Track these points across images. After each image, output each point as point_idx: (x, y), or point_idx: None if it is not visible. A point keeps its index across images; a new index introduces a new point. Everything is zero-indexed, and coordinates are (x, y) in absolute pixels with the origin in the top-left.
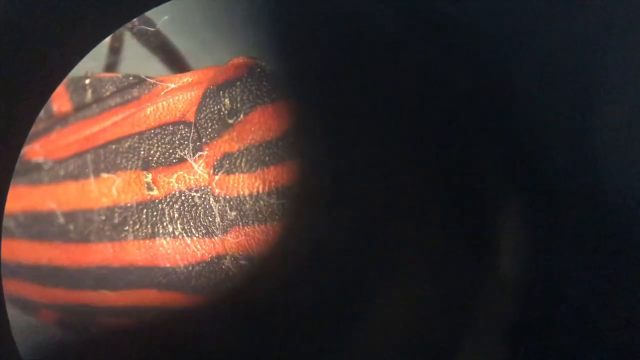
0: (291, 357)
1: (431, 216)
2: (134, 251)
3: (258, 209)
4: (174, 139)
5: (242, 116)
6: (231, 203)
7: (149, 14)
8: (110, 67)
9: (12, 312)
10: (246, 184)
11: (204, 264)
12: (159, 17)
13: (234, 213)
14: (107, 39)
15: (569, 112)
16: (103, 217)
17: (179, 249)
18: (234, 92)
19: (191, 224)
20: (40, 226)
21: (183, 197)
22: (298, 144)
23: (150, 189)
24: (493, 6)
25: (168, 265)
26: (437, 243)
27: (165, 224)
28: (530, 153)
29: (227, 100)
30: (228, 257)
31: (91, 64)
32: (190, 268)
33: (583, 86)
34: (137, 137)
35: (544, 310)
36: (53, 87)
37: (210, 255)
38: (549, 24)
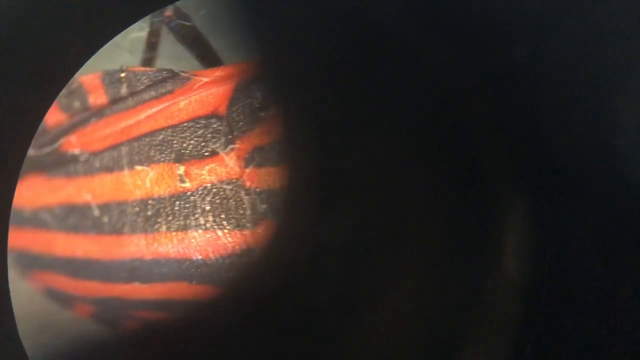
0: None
1: (437, 216)
2: (166, 243)
3: None
4: (206, 132)
5: (273, 109)
6: (262, 196)
7: (186, 9)
8: (147, 62)
9: (29, 310)
10: (277, 177)
11: (234, 257)
12: (196, 12)
13: (264, 206)
14: (145, 35)
15: (577, 112)
16: (137, 209)
17: (210, 241)
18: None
19: (222, 216)
20: (75, 218)
21: (215, 190)
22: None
23: (182, 181)
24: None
25: (199, 257)
26: (443, 243)
27: (197, 216)
28: (537, 152)
29: (259, 94)
30: (257, 250)
31: (128, 58)
32: (221, 260)
33: (595, 83)
34: (170, 130)
35: (549, 310)
36: (63, 83)
37: (240, 247)
38: (563, 17)
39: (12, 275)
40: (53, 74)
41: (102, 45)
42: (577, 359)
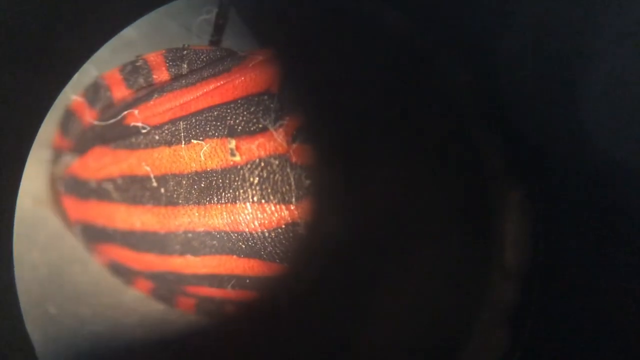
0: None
1: (437, 211)
2: (216, 215)
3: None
4: (258, 109)
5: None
6: (306, 171)
7: None
8: (214, 44)
9: (94, 289)
10: (320, 154)
11: (279, 230)
12: None
13: (308, 181)
14: (212, 16)
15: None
16: (191, 181)
17: (257, 214)
18: None
19: (269, 190)
20: (135, 189)
21: (262, 164)
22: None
23: (233, 154)
24: None
25: (247, 230)
26: (444, 237)
27: (245, 188)
28: (532, 143)
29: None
30: (302, 224)
31: (195, 42)
32: (267, 234)
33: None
34: (225, 106)
35: (545, 296)
36: (75, 68)
37: (285, 221)
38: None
39: (79, 247)
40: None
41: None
42: (571, 344)
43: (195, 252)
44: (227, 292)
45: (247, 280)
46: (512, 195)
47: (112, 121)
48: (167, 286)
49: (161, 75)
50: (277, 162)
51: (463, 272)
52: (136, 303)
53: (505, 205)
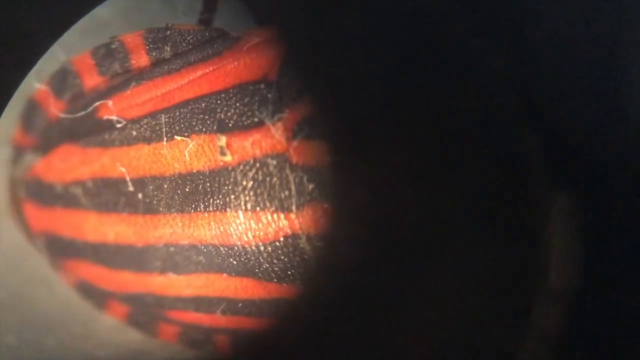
0: None
1: (469, 218)
2: (203, 225)
3: None
4: (253, 100)
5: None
6: (309, 173)
7: None
8: (203, 23)
9: (61, 315)
10: (327, 153)
11: (277, 243)
12: None
13: (311, 185)
14: None
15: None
16: (174, 185)
17: (251, 224)
18: None
19: (265, 195)
20: (108, 194)
21: (258, 165)
22: None
23: (223, 153)
24: None
25: (239, 243)
26: (483, 252)
27: (237, 194)
28: (576, 143)
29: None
30: (303, 237)
31: (181, 21)
32: (262, 248)
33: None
34: (214, 96)
35: (595, 321)
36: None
37: (284, 233)
38: None
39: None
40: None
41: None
42: None
43: (178, 270)
44: (217, 319)
45: (240, 304)
46: (557, 202)
47: (82, 114)
48: (145, 311)
49: (140, 60)
50: (275, 162)
51: (499, 294)
52: (110, 332)
53: (549, 213)
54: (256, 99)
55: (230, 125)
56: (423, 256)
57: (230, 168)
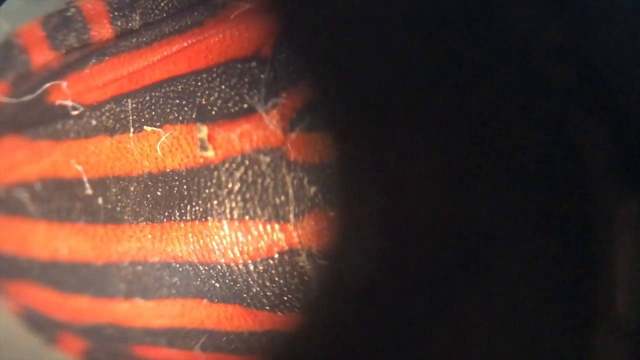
0: None
1: (525, 236)
2: (178, 238)
3: None
4: (241, 81)
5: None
6: (311, 173)
7: None
8: None
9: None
10: (333, 147)
11: (270, 262)
12: None
13: (313, 188)
14: None
15: None
16: (143, 187)
17: (238, 237)
18: None
19: (255, 201)
20: (61, 199)
21: (247, 163)
22: None
23: (204, 148)
24: None
25: (223, 261)
26: (534, 273)
27: (221, 199)
28: None
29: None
30: (303, 254)
31: None
32: (252, 267)
33: None
34: (194, 77)
35: None
36: None
37: (279, 249)
38: None
39: None
40: None
41: None
42: None
43: (147, 295)
44: (195, 356)
45: (224, 338)
46: (626, 209)
47: (29, 98)
48: (106, 346)
49: (102, 31)
50: (268, 159)
51: (553, 324)
52: None
53: (616, 222)
54: (246, 80)
55: (213, 113)
56: (461, 278)
57: (212, 166)
